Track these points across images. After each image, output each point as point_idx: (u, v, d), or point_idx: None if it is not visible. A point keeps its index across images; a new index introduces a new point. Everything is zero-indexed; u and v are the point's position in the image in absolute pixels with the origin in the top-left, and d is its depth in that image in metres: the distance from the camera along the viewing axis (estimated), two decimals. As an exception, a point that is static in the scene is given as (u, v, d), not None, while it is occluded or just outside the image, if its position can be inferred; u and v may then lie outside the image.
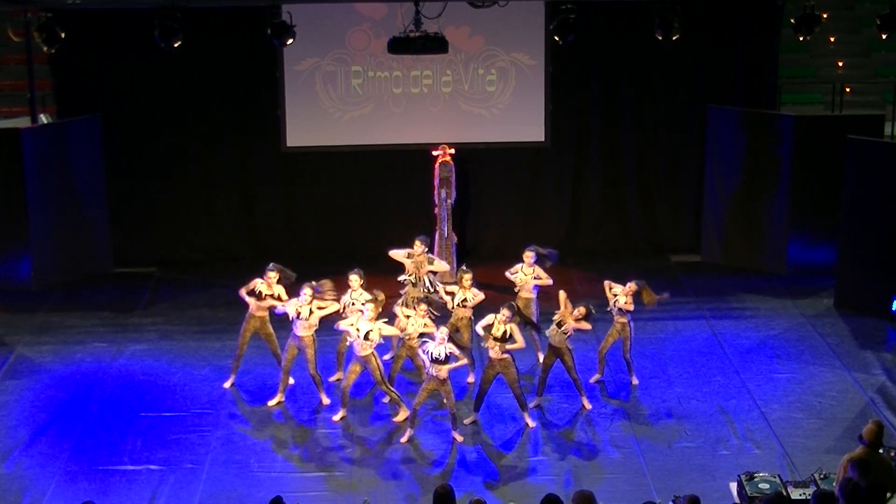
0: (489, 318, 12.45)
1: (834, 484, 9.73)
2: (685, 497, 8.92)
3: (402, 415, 12.65)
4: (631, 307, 13.20)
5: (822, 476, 10.25)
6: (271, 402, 13.15)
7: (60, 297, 16.41)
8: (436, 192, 16.74)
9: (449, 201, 16.73)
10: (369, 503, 10.39)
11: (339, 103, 17.47)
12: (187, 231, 17.73)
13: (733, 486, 10.56)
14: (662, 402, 13.17)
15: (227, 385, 13.61)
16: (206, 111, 17.49)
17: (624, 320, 13.24)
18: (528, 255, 13.82)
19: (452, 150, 16.68)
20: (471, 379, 13.63)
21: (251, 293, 13.26)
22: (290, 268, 13.40)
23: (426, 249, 14.13)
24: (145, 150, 17.40)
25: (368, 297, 12.90)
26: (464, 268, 13.67)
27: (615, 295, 13.21)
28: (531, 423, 12.65)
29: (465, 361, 12.54)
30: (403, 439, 12.33)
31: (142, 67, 16.89)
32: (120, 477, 11.65)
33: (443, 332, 12.16)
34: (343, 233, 17.89)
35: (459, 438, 12.36)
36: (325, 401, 13.12)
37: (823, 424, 12.69)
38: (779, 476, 10.35)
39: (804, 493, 9.96)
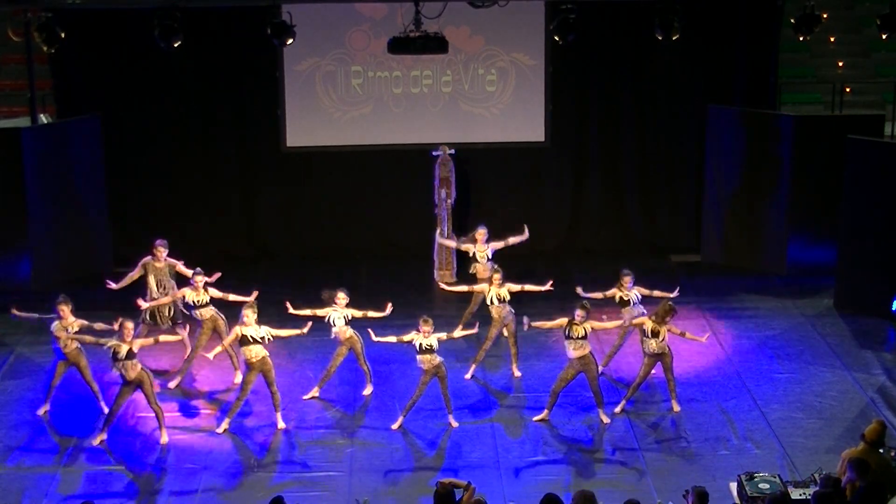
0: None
1: (823, 474, 9.78)
2: (693, 488, 8.96)
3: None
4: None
5: (822, 476, 10.23)
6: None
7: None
8: (436, 192, 16.75)
9: (449, 201, 16.73)
10: (369, 502, 10.40)
11: (339, 103, 17.47)
12: (187, 231, 17.71)
13: (733, 486, 10.55)
14: (663, 402, 13.17)
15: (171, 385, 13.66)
16: (206, 111, 17.49)
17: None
18: (482, 233, 14.59)
19: (452, 151, 16.70)
20: (468, 375, 13.70)
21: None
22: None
23: (167, 252, 14.17)
24: (145, 150, 17.39)
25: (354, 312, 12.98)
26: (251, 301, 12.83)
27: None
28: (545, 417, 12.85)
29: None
30: (394, 426, 12.58)
31: (142, 67, 16.88)
32: (120, 477, 11.66)
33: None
34: (343, 233, 17.87)
35: (455, 424, 12.58)
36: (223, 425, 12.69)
37: (823, 424, 12.70)
38: (779, 476, 10.34)
39: (804, 493, 9.96)
